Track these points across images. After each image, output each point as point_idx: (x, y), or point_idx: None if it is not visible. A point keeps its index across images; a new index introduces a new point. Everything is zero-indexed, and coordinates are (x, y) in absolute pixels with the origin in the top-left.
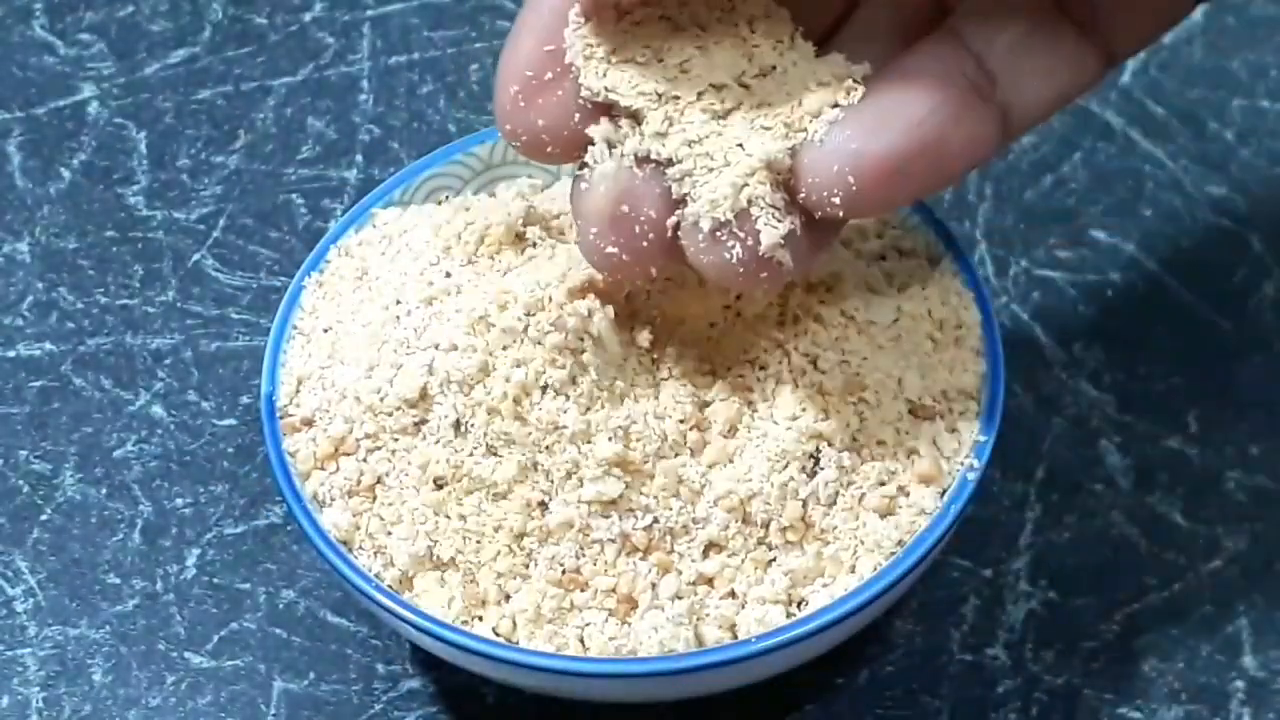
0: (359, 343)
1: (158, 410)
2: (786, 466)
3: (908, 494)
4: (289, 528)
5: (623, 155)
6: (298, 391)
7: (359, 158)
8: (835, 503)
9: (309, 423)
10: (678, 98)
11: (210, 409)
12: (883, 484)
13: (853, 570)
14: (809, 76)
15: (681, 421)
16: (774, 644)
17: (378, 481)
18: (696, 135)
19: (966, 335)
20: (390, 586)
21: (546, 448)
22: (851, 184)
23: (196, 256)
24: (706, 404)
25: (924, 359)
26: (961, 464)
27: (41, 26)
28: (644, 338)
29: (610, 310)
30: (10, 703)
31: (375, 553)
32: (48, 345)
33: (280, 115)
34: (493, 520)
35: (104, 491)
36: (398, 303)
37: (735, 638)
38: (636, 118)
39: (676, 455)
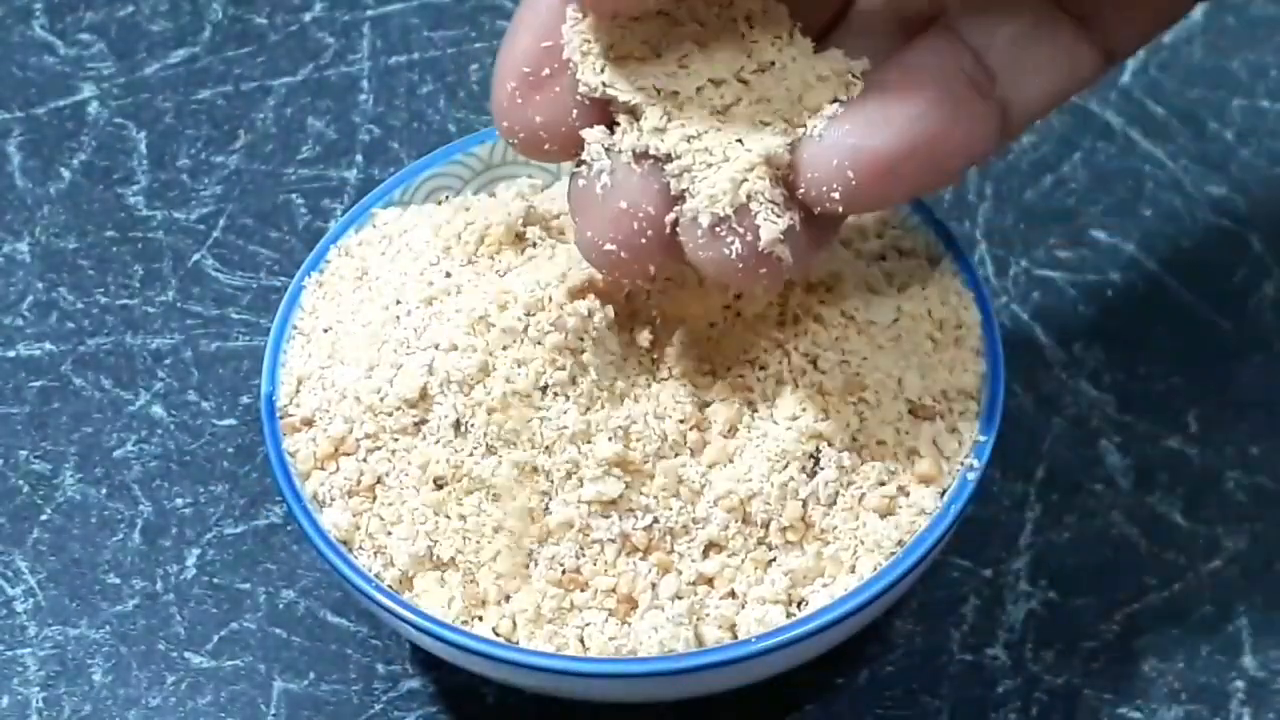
0: (359, 343)
1: (158, 410)
2: (786, 466)
3: (908, 494)
4: (289, 528)
5: (621, 151)
6: (298, 391)
7: (359, 158)
8: (835, 503)
9: (309, 423)
10: (676, 93)
11: (210, 409)
12: (883, 484)
13: (853, 570)
14: (808, 72)
15: (681, 421)
16: (774, 644)
17: (378, 481)
18: (695, 131)
19: (966, 335)
20: (390, 586)
21: (546, 448)
22: (850, 179)
23: (196, 256)
24: (706, 404)
25: (924, 359)
26: (961, 464)
27: (41, 26)
28: (644, 338)
29: (610, 310)
30: (10, 703)
31: (375, 553)
32: (48, 345)
33: (280, 115)
34: (493, 520)
35: (104, 491)
36: (398, 303)
37: (735, 638)
38: (635, 113)
39: (676, 455)
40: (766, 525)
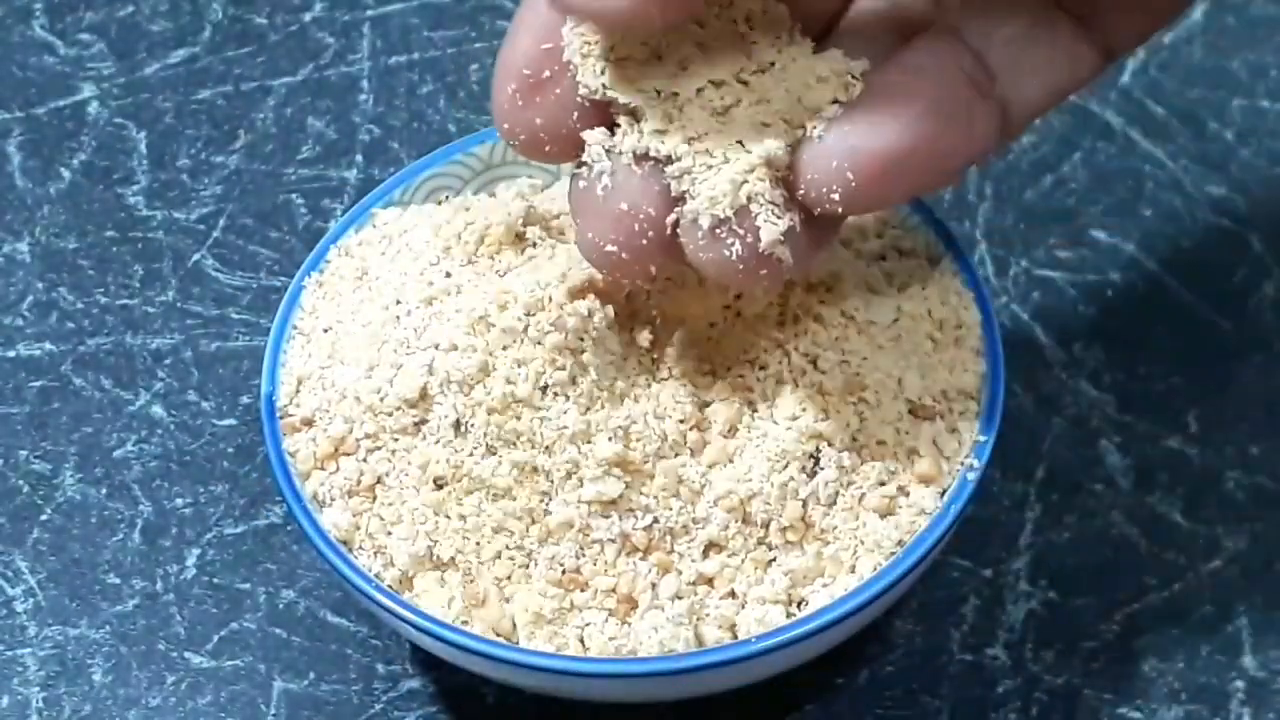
0: (359, 343)
1: (158, 410)
2: (786, 466)
3: (908, 494)
4: (289, 528)
5: (621, 153)
6: (298, 391)
7: (359, 158)
8: (835, 503)
9: (309, 423)
10: (676, 94)
11: (210, 409)
12: (883, 484)
13: (853, 570)
14: (808, 73)
15: (681, 421)
16: (774, 644)
17: (378, 481)
18: (695, 132)
19: (966, 335)
20: (390, 586)
21: (546, 448)
22: (850, 180)
23: (196, 256)
24: (706, 404)
25: (924, 359)
26: (961, 464)
27: (41, 26)
28: (644, 338)
29: (610, 310)
30: (10, 703)
31: (375, 553)
32: (48, 345)
33: (280, 115)
34: (493, 520)
35: (104, 491)
36: (398, 303)
37: (735, 638)
38: (635, 115)
39: (676, 455)
40: (766, 525)
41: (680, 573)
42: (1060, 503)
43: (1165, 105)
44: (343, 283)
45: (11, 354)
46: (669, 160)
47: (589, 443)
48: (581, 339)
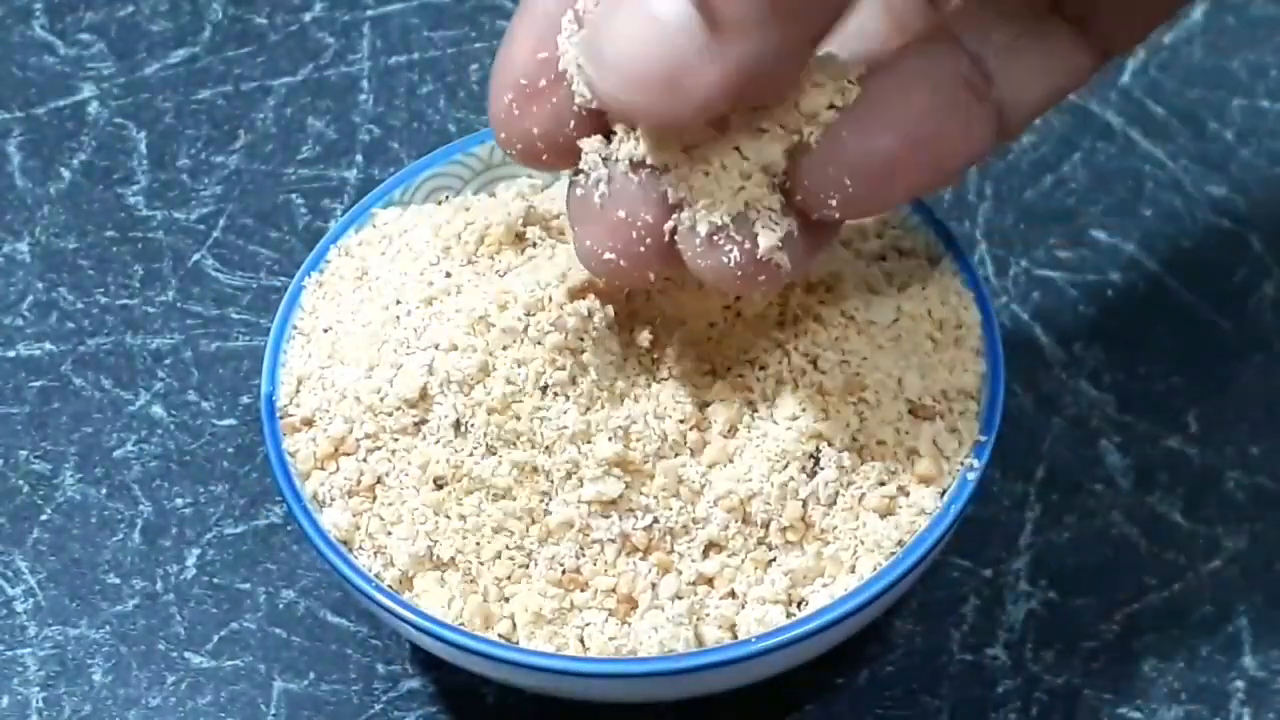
0: (359, 343)
1: (158, 410)
2: (786, 466)
3: (908, 494)
4: (289, 528)
5: (618, 161)
6: (298, 391)
7: (359, 158)
8: (835, 503)
9: (309, 423)
10: None
11: (210, 409)
12: (883, 484)
13: (853, 570)
14: (804, 78)
15: (681, 421)
16: (774, 644)
17: (378, 481)
18: (692, 139)
19: (966, 335)
20: (390, 586)
21: (546, 448)
22: (848, 186)
23: (196, 256)
24: (706, 404)
25: (924, 359)
26: (961, 464)
27: (41, 26)
28: (644, 338)
29: (610, 310)
30: (10, 703)
31: (375, 553)
32: (48, 345)
33: (280, 115)
34: (493, 520)
35: (104, 491)
36: (398, 303)
37: (735, 638)
38: (631, 123)
39: (676, 455)
40: (766, 525)
41: (680, 573)
42: (1060, 503)
43: (1165, 105)
44: (343, 283)
45: (11, 354)
46: (666, 167)
47: (589, 443)
48: (581, 339)
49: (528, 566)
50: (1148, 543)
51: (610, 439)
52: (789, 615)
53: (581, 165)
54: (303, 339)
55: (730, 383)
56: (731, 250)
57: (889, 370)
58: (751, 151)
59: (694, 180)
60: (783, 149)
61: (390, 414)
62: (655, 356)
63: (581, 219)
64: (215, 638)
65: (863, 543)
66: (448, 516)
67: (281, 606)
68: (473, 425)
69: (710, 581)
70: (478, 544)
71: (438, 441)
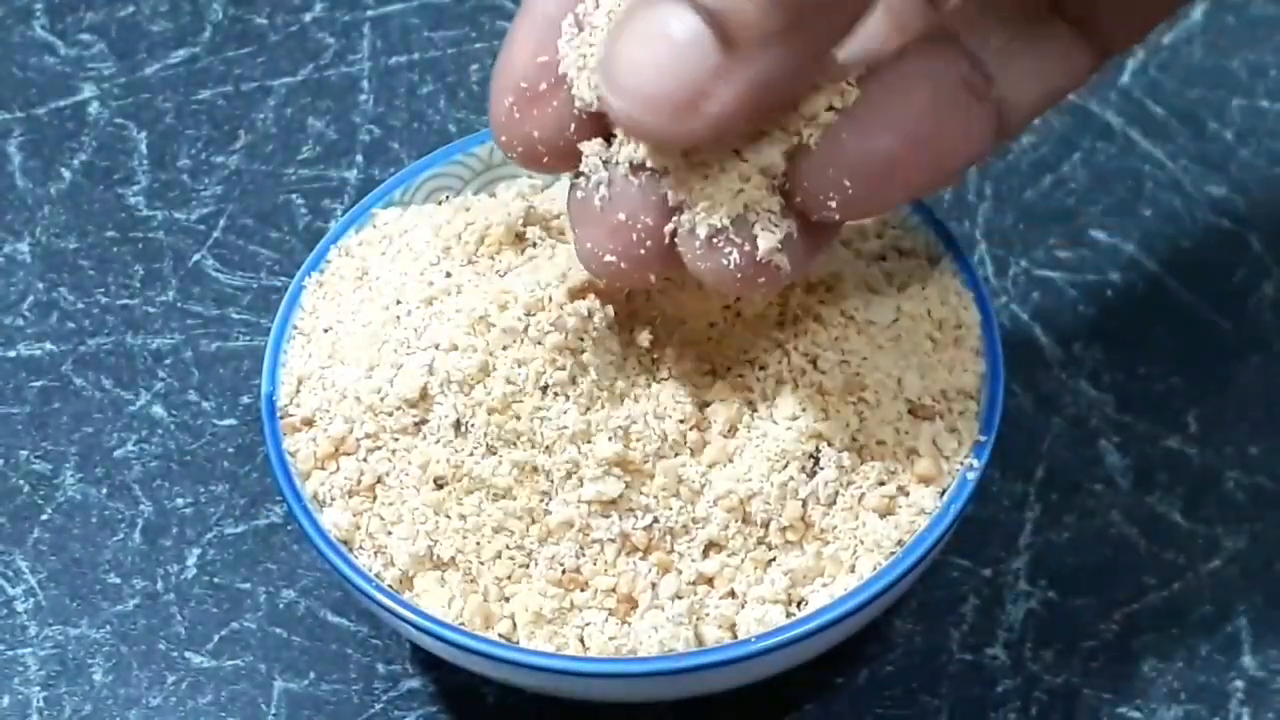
0: (359, 343)
1: (158, 410)
2: (786, 466)
3: (907, 494)
4: (289, 527)
5: (618, 163)
6: (298, 391)
7: (359, 158)
8: (835, 502)
9: (309, 422)
10: None
11: (211, 409)
12: (882, 484)
13: (852, 570)
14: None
15: (681, 421)
16: (774, 644)
17: (378, 481)
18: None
19: (966, 335)
20: (390, 586)
21: (546, 448)
22: (848, 187)
23: (197, 256)
24: (706, 404)
25: (924, 359)
26: (961, 464)
27: (42, 27)
28: (644, 338)
29: (610, 310)
30: (11, 702)
31: (375, 552)
32: (48, 345)
33: (280, 115)
34: (493, 520)
35: (104, 491)
36: (398, 303)
37: (735, 637)
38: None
39: (676, 455)
40: (766, 525)
41: (680, 572)
42: (1060, 502)
43: (1165, 105)
44: (343, 283)
45: (12, 354)
46: (665, 170)
47: (589, 443)
48: (581, 339)
49: (528, 566)
50: (1147, 542)
51: (610, 439)
52: (789, 615)
53: (582, 168)
54: (303, 339)
55: (730, 383)
56: (731, 252)
57: (889, 370)
58: (750, 154)
59: (693, 183)
60: (782, 151)
61: (390, 414)
62: (655, 356)
63: (582, 221)
64: (216, 637)
65: (862, 542)
66: (448, 516)
67: (282, 606)
68: (473, 425)
69: (710, 581)
70: (478, 544)
71: (438, 441)
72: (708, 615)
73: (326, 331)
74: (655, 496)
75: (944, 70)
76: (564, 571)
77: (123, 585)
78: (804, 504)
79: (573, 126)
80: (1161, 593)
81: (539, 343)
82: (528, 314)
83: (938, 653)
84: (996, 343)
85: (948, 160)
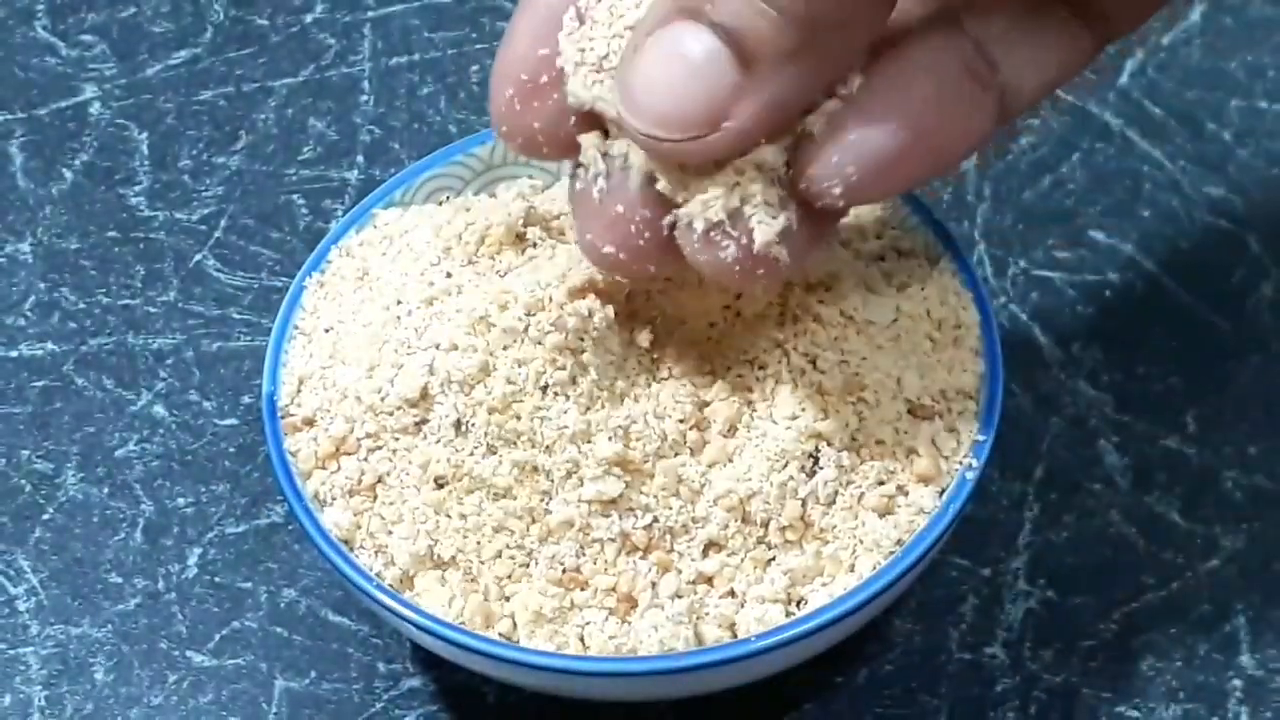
0: (360, 343)
1: (159, 410)
2: (786, 466)
3: (907, 493)
4: (290, 527)
5: (616, 156)
6: (299, 391)
7: (360, 158)
8: (834, 502)
9: (310, 422)
10: None
11: (212, 409)
12: (882, 483)
13: (852, 569)
14: None
15: (681, 421)
16: (773, 643)
17: (379, 481)
18: None
19: (965, 335)
20: (391, 586)
21: (547, 447)
22: (851, 174)
23: (198, 257)
24: (706, 404)
25: (923, 359)
26: (960, 463)
27: (43, 28)
28: (644, 338)
29: (610, 310)
30: (12, 701)
31: (376, 552)
32: (50, 345)
33: (281, 116)
34: (493, 519)
35: (106, 491)
36: (398, 303)
37: (735, 637)
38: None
39: (676, 455)
40: (766, 524)
41: (680, 572)
42: (1059, 502)
43: (1163, 106)
44: (344, 283)
45: (14, 354)
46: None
47: (589, 442)
48: (581, 339)
49: (528, 565)
50: (1146, 542)
51: (610, 438)
52: (788, 614)
53: (580, 159)
54: (304, 339)
55: (730, 382)
56: (729, 245)
57: (888, 370)
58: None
59: (690, 177)
60: (779, 144)
61: (391, 413)
62: (655, 356)
63: (582, 213)
64: (217, 636)
65: (862, 542)
66: (448, 516)
67: (283, 605)
68: (473, 425)
69: (710, 580)
70: (478, 543)
71: (438, 441)
72: (707, 614)
73: (327, 331)
74: (655, 496)
75: (948, 57)
76: (564, 571)
77: (124, 584)
78: (803, 503)
79: (574, 119)
80: (1160, 592)
81: (539, 343)
82: (528, 314)
83: (937, 652)
84: (995, 343)
85: (951, 147)
